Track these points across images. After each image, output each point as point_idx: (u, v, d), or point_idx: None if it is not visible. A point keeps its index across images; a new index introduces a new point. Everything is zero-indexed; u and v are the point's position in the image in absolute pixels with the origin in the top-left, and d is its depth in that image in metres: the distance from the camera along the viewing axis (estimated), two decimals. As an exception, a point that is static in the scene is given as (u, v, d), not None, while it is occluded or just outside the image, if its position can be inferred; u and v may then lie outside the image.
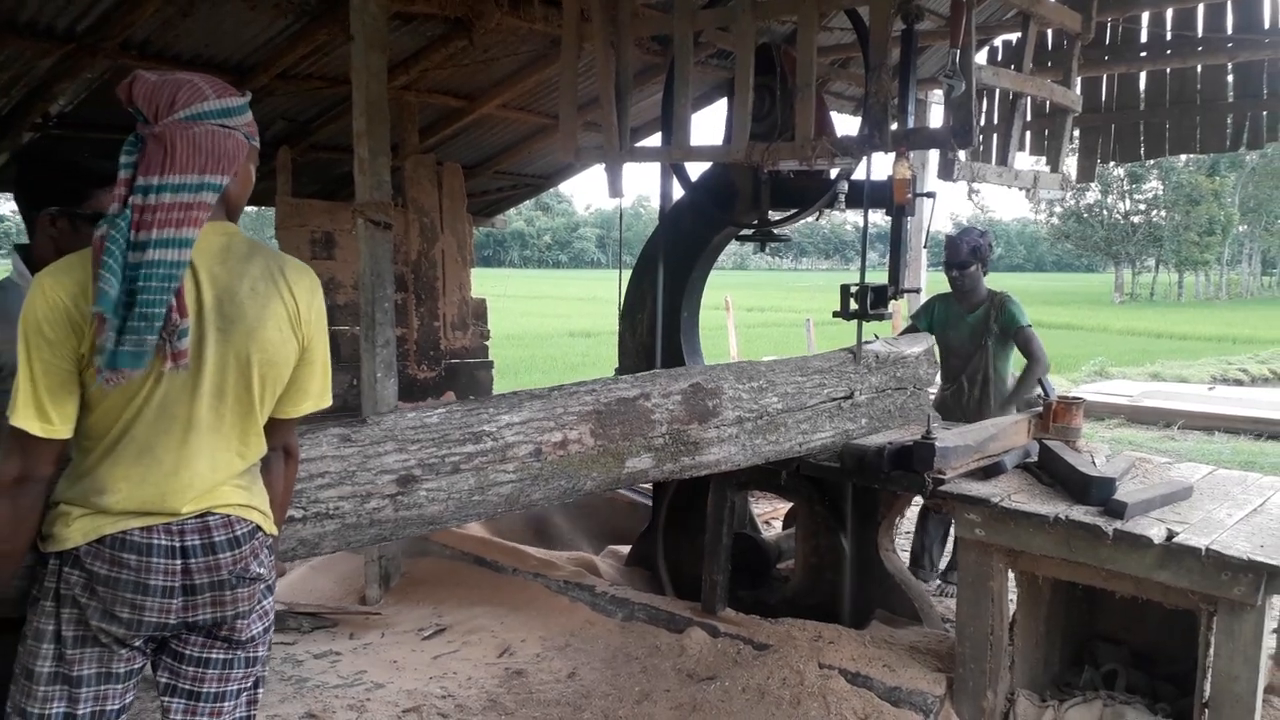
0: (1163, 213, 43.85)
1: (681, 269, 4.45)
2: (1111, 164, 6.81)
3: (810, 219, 4.28)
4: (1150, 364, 15.46)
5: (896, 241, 3.76)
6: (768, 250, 4.64)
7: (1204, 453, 8.43)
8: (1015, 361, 4.72)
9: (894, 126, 3.33)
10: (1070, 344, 20.20)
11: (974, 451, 3.39)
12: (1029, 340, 4.56)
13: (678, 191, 4.51)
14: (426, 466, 2.44)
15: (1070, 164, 5.60)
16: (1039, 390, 4.10)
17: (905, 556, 4.77)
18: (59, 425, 1.60)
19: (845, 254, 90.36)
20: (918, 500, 3.96)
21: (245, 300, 1.70)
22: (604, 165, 4.09)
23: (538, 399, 2.80)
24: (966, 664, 3.21)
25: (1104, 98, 6.38)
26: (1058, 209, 45.24)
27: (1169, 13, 5.90)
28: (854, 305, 3.66)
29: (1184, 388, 12.08)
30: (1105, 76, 6.36)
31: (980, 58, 6.06)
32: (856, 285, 3.67)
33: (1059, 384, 8.83)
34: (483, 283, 8.73)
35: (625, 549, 4.96)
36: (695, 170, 4.42)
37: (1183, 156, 24.82)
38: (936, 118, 7.71)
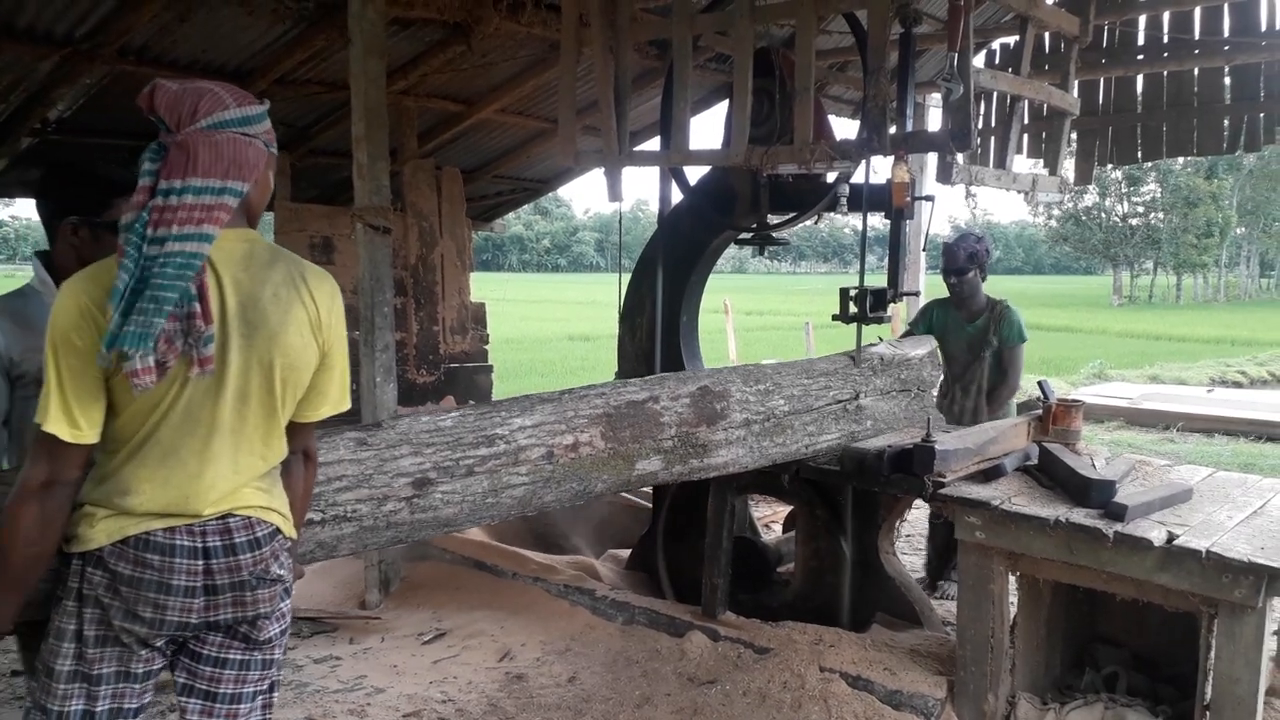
0: (1160, 215, 43.91)
1: (681, 272, 4.46)
2: (1109, 167, 6.81)
3: (809, 222, 4.29)
4: (1149, 366, 15.47)
5: (895, 245, 3.76)
6: (766, 253, 4.64)
7: (1203, 455, 8.43)
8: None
9: (892, 130, 3.33)
10: (1069, 346, 20.22)
11: (974, 454, 3.39)
12: (1014, 359, 4.59)
13: (677, 195, 4.51)
14: (441, 469, 2.47)
15: (1068, 167, 5.61)
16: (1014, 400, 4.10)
17: (905, 559, 4.76)
18: (87, 431, 1.63)
19: (844, 257, 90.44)
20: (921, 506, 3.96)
21: (268, 306, 1.73)
22: (603, 169, 4.10)
23: (549, 402, 2.83)
24: (967, 667, 3.21)
25: (1101, 100, 6.39)
26: (1056, 212, 45.30)
27: (1166, 16, 5.90)
28: (853, 308, 3.67)
29: (1183, 390, 12.08)
30: (1102, 79, 6.36)
31: (978, 61, 6.07)
32: (856, 288, 3.67)
33: (1058, 387, 8.83)
34: (482, 287, 8.74)
35: (625, 553, 4.96)
36: (694, 174, 4.43)
37: (1180, 159, 24.82)
38: (935, 121, 7.73)
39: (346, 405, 1.93)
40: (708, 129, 4.58)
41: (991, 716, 3.16)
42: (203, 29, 4.88)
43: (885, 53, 3.23)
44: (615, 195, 4.17)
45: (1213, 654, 2.77)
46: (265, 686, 1.87)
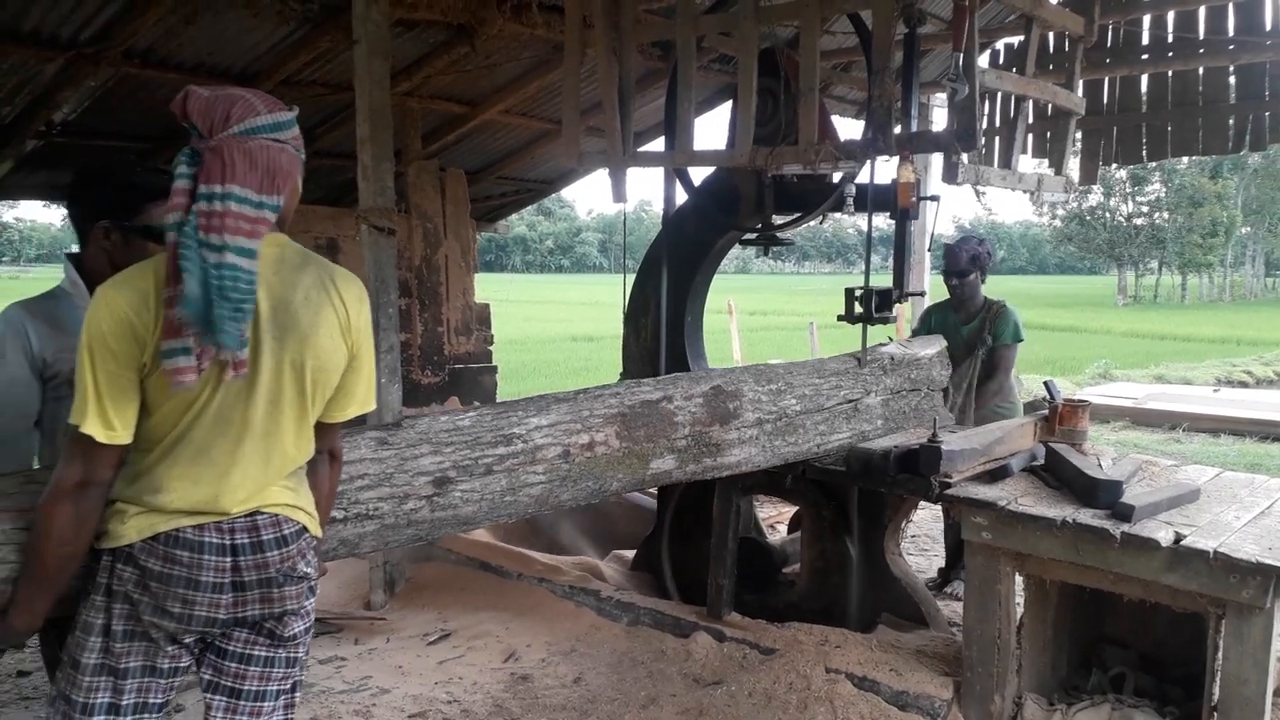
0: (1165, 215, 43.80)
1: (685, 273, 4.45)
2: (1114, 166, 6.79)
3: (813, 222, 4.28)
4: (1154, 366, 15.44)
5: (900, 245, 3.76)
6: (770, 254, 4.64)
7: (1210, 455, 8.41)
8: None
9: (897, 130, 3.33)
10: (1074, 346, 20.18)
11: (980, 455, 3.38)
12: (1003, 358, 4.59)
13: (681, 196, 4.51)
14: (461, 468, 2.49)
15: (1073, 166, 5.59)
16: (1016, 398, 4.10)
17: (911, 560, 4.75)
18: (121, 432, 1.66)
19: (848, 257, 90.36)
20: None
21: (299, 309, 1.77)
22: (607, 170, 4.10)
23: (564, 402, 2.85)
24: (974, 668, 3.20)
25: (1106, 100, 6.37)
26: (1060, 211, 45.21)
27: (1170, 15, 5.89)
28: (858, 309, 3.66)
29: (1188, 390, 12.05)
30: (1107, 79, 6.35)
31: (983, 61, 6.06)
32: (861, 289, 3.66)
33: (1063, 387, 8.82)
34: (485, 288, 8.74)
35: (630, 553, 4.96)
36: (698, 175, 4.42)
37: (1185, 158, 24.78)
38: (940, 121, 7.72)
39: (372, 406, 1.98)
40: (712, 130, 4.57)
41: (998, 717, 3.15)
42: (208, 31, 4.89)
43: (890, 53, 3.23)
44: (619, 196, 4.17)
45: (1220, 655, 2.76)
46: (288, 686, 1.89)
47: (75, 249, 2.27)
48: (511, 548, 4.86)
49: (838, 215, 3.99)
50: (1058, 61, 5.88)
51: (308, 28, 5.12)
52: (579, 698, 3.46)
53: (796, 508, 4.56)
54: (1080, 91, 4.47)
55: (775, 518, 5.82)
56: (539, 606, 4.21)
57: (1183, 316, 31.83)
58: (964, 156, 3.31)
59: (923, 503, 3.81)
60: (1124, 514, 2.90)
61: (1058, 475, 3.33)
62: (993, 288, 4.79)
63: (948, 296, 4.86)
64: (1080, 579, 3.04)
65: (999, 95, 6.21)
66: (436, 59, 5.79)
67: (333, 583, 4.62)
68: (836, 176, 3.89)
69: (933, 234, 4.59)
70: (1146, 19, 5.95)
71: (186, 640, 1.77)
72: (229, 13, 4.74)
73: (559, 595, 4.26)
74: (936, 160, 6.45)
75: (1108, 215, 44.93)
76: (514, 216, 9.83)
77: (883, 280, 3.83)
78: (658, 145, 6.07)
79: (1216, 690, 2.78)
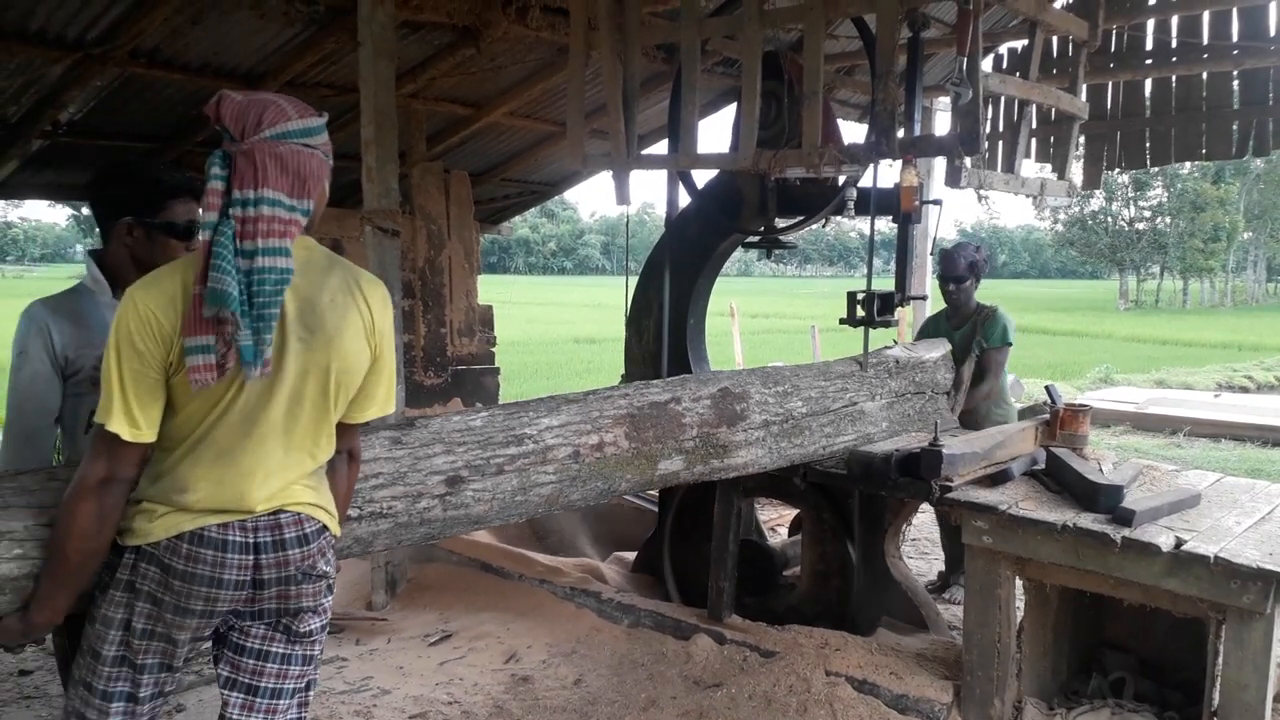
0: (1167, 219, 43.79)
1: (688, 276, 4.46)
2: (1117, 171, 6.79)
3: (816, 226, 4.29)
4: (1155, 371, 15.43)
5: (903, 249, 3.77)
6: (772, 257, 4.64)
7: (1211, 460, 8.40)
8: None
9: (901, 134, 3.33)
10: (1075, 351, 20.17)
11: (981, 459, 3.39)
12: (993, 361, 4.59)
13: (684, 199, 4.52)
14: (473, 468, 2.52)
15: (1076, 171, 5.60)
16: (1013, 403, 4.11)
17: (911, 564, 4.76)
18: (146, 430, 1.69)
19: (850, 261, 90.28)
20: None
21: (325, 311, 1.80)
22: (611, 172, 4.11)
23: (574, 403, 2.88)
24: (974, 672, 3.20)
25: (1110, 105, 6.38)
26: (1062, 216, 45.20)
27: (1174, 20, 5.90)
28: (861, 312, 3.67)
29: (1189, 395, 12.05)
30: (1111, 84, 6.36)
31: (987, 65, 6.07)
32: (863, 292, 3.67)
33: (1064, 391, 8.82)
34: (488, 289, 8.74)
35: (631, 555, 4.96)
36: (702, 178, 4.43)
37: (1187, 163, 24.79)
38: (943, 125, 7.73)
39: (392, 408, 2.00)
40: (715, 133, 4.58)
41: (998, 721, 3.16)
42: (214, 32, 4.90)
43: (894, 57, 3.23)
44: (623, 198, 4.18)
45: (1220, 660, 2.76)
46: (304, 684, 1.91)
47: (89, 245, 2.30)
48: (513, 549, 4.87)
49: (840, 219, 4.00)
50: (1061, 66, 5.89)
51: (313, 29, 5.13)
52: (579, 699, 3.47)
53: (797, 511, 4.56)
54: (1084, 96, 4.47)
55: (776, 520, 5.83)
56: (540, 608, 4.22)
57: (1184, 321, 31.81)
58: (967, 161, 3.32)
59: (923, 506, 3.82)
60: (1125, 519, 2.91)
61: (1059, 480, 3.34)
62: (994, 291, 4.82)
63: (941, 310, 4.89)
64: (1081, 583, 3.05)
65: (1002, 99, 6.21)
66: (441, 61, 5.80)
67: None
68: (840, 180, 3.90)
69: (935, 238, 4.60)
70: (1150, 24, 5.96)
71: (205, 633, 1.81)
72: (235, 14, 4.75)
73: (560, 597, 4.26)
74: (939, 164, 6.46)
75: (1109, 220, 44.94)
76: (517, 218, 9.83)
77: (885, 284, 3.84)
78: (661, 148, 6.09)
79: (1216, 695, 2.78)
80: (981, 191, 3.61)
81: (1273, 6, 5.66)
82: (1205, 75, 6.04)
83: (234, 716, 1.84)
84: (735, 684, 3.42)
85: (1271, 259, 53.97)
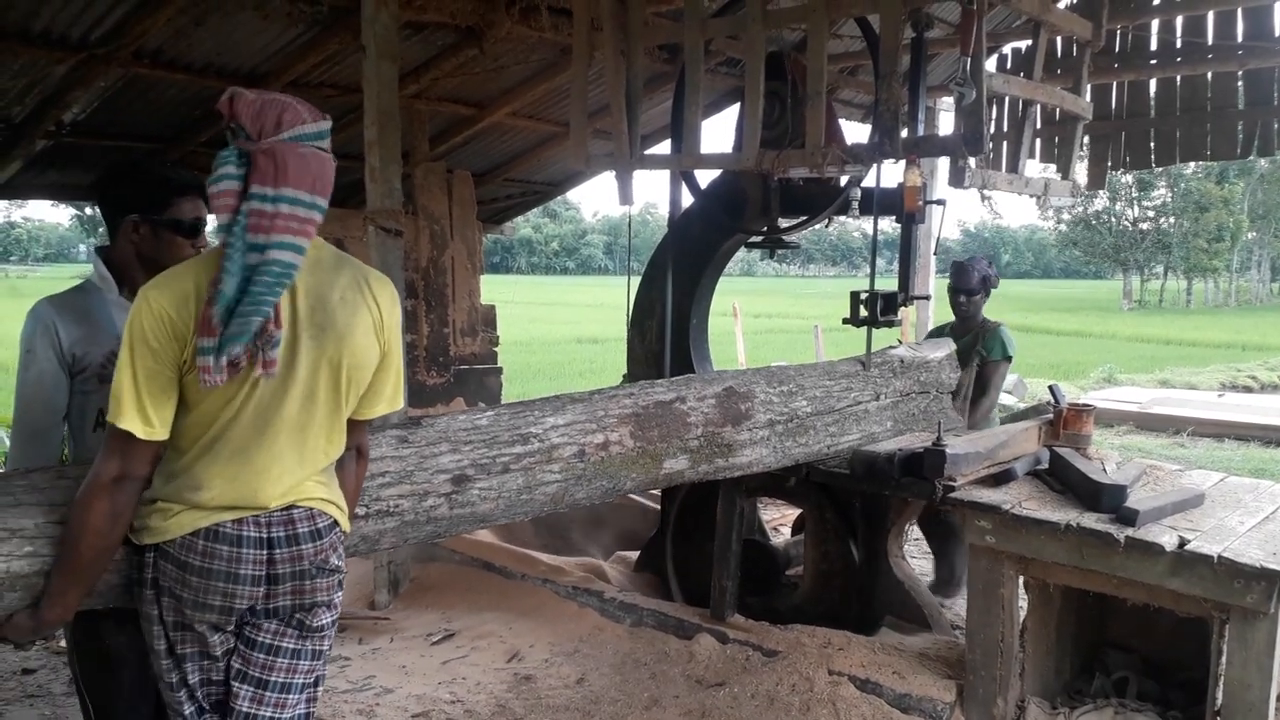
0: (1171, 220, 43.71)
1: (691, 276, 4.46)
2: (1121, 171, 6.78)
3: (819, 226, 4.29)
4: (1159, 371, 15.40)
5: (906, 249, 3.76)
6: (775, 257, 4.64)
7: (1214, 460, 8.39)
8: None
9: (904, 134, 3.33)
10: (1079, 351, 20.15)
11: (984, 459, 3.39)
12: (991, 372, 4.66)
13: (687, 199, 4.52)
14: (479, 466, 2.53)
15: (1080, 171, 5.59)
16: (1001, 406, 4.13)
17: (914, 563, 4.75)
18: (159, 428, 1.71)
19: (853, 260, 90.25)
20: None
21: (336, 308, 1.83)
22: (614, 173, 4.11)
23: (579, 402, 2.89)
24: (977, 671, 3.20)
25: (1114, 105, 6.36)
26: (1066, 216, 45.13)
27: (1179, 20, 5.89)
28: (864, 312, 3.67)
29: (1193, 394, 12.03)
30: (1115, 84, 6.34)
31: (990, 65, 6.06)
32: (866, 292, 3.67)
33: (1068, 391, 8.81)
34: (491, 289, 8.74)
35: (634, 554, 4.96)
36: (705, 178, 4.43)
37: (1191, 163, 24.75)
38: (947, 125, 7.72)
39: (399, 404, 2.02)
40: (718, 133, 4.58)
41: (1001, 721, 3.16)
42: (217, 33, 4.91)
43: (897, 57, 3.23)
44: (625, 199, 4.18)
45: (1224, 659, 2.76)
46: (312, 680, 1.93)
47: (93, 245, 2.31)
48: (515, 548, 4.87)
49: (843, 219, 4.00)
50: (1066, 66, 5.88)
51: (316, 30, 5.14)
52: (582, 698, 3.47)
53: (800, 510, 4.56)
54: (1088, 96, 4.47)
55: (779, 520, 5.83)
56: (542, 607, 4.22)
57: (1188, 321, 31.75)
58: (971, 161, 3.32)
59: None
60: (1128, 518, 2.91)
61: (1062, 479, 3.34)
62: (997, 292, 4.82)
63: (948, 320, 4.92)
64: (1084, 583, 3.04)
65: (1006, 100, 6.21)
66: (445, 61, 5.81)
67: (338, 582, 4.63)
68: (843, 180, 3.90)
69: (939, 238, 4.59)
70: (1155, 24, 5.95)
71: (229, 628, 1.83)
72: (238, 14, 4.76)
73: (563, 596, 4.26)
74: (943, 164, 6.47)
75: (1113, 220, 44.85)
76: (520, 218, 9.84)
77: (888, 284, 3.84)
78: (664, 148, 6.08)
79: (1220, 695, 2.78)
80: (985, 192, 3.62)
81: (1277, 6, 5.65)
82: (1210, 75, 6.02)
83: (243, 709, 1.85)
84: (738, 683, 3.42)
85: (1276, 259, 53.86)
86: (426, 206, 7.06)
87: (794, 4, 3.63)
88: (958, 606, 4.35)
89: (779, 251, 4.43)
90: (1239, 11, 5.68)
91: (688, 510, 4.44)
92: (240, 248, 1.67)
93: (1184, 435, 9.53)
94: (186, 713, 1.85)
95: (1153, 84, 6.24)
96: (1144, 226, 44.39)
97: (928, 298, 6.74)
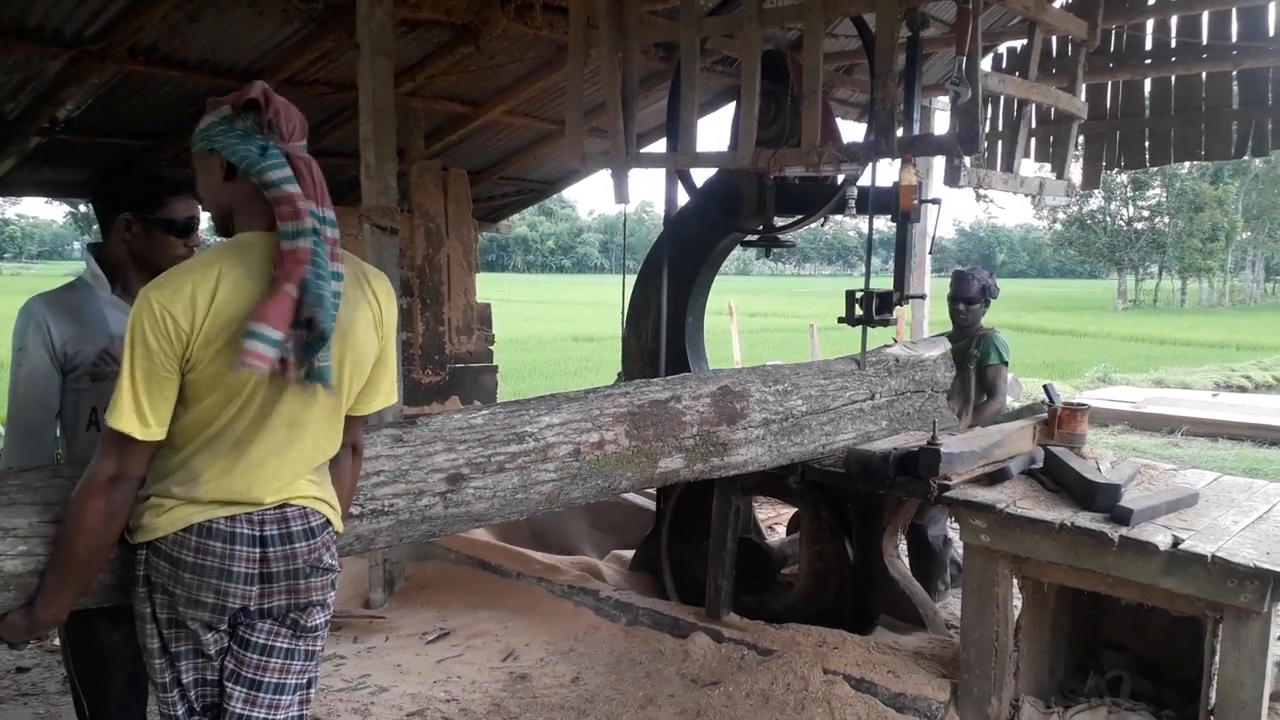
0: (1166, 219, 43.80)
1: (686, 274, 4.46)
2: (1115, 171, 6.79)
3: (815, 224, 4.29)
4: (1153, 370, 15.45)
5: (902, 247, 3.77)
6: (771, 255, 4.65)
7: (1208, 459, 8.42)
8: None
9: (900, 133, 3.34)
10: (1073, 350, 20.19)
11: (979, 458, 3.39)
12: (994, 376, 4.71)
13: (683, 197, 4.52)
14: (474, 465, 2.52)
15: (1075, 170, 5.60)
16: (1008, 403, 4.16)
17: (909, 562, 4.75)
18: (156, 429, 1.70)
19: (848, 259, 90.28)
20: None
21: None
22: (609, 171, 4.10)
23: (575, 401, 2.89)
24: (971, 670, 3.21)
25: (1109, 105, 6.38)
26: (1061, 215, 45.20)
27: (1174, 20, 5.90)
28: (859, 311, 3.67)
29: (1187, 394, 12.06)
30: (1110, 83, 6.36)
31: (986, 64, 6.07)
32: (862, 291, 3.67)
33: (1062, 390, 8.84)
34: (486, 287, 8.73)
35: (629, 554, 4.97)
36: (700, 176, 4.43)
37: (1186, 163, 24.80)
38: (942, 124, 7.72)
39: (395, 399, 2.02)
40: (714, 131, 4.58)
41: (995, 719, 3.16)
42: (212, 30, 4.89)
43: (893, 56, 3.23)
44: (621, 197, 4.18)
45: (1217, 659, 2.77)
46: (305, 681, 1.92)
47: (87, 242, 2.30)
48: (511, 547, 4.87)
49: (839, 217, 4.00)
50: (1061, 66, 5.88)
51: (312, 27, 5.12)
52: (577, 697, 3.47)
53: (795, 509, 4.57)
54: (1083, 96, 4.48)
55: (774, 519, 5.83)
56: (538, 606, 4.22)
57: (1182, 321, 31.83)
58: (966, 160, 3.32)
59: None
60: (1122, 518, 2.91)
61: (1056, 479, 3.34)
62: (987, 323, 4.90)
63: (941, 331, 4.94)
64: (1078, 582, 3.05)
65: (1001, 99, 6.21)
66: (440, 59, 5.79)
67: (332, 580, 4.63)
68: (838, 179, 3.90)
69: (934, 237, 4.61)
70: (1150, 24, 5.96)
71: (222, 627, 1.81)
72: (233, 11, 4.74)
73: (558, 595, 4.26)
74: (938, 163, 6.46)
75: (1108, 219, 44.94)
76: (515, 216, 9.83)
77: (883, 283, 3.84)
78: (660, 146, 6.08)
79: (1213, 694, 2.79)
80: (980, 191, 3.62)
81: (1272, 7, 5.66)
82: (1204, 75, 6.04)
83: (237, 710, 1.83)
84: (733, 682, 3.42)
85: (1270, 259, 54.03)
86: (422, 204, 7.05)
87: (790, 3, 3.63)
88: (953, 606, 4.36)
89: (775, 250, 4.43)
90: (1234, 11, 5.69)
91: (683, 509, 4.44)
92: (327, 276, 1.71)
93: (1178, 435, 9.56)
94: (179, 714, 1.83)
95: (1147, 84, 6.25)
96: (1139, 226, 44.48)
97: (923, 297, 6.76)
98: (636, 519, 5.33)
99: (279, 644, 1.86)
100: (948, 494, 3.22)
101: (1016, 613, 3.24)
